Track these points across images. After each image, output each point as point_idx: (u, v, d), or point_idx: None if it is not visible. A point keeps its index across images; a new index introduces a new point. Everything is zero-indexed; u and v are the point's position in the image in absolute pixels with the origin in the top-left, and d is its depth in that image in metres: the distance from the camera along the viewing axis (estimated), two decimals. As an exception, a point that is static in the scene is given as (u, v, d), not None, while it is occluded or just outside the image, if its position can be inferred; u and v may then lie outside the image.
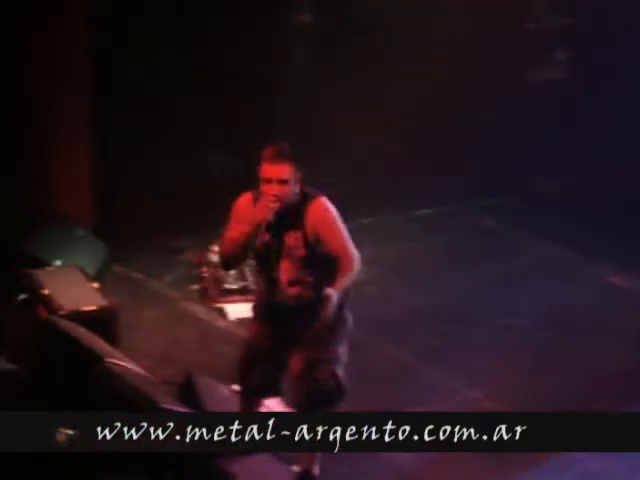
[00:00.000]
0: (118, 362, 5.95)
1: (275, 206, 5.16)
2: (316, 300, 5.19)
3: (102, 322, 6.70)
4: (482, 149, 9.77)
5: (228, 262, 5.45)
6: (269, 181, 5.19)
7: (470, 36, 9.56)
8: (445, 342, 7.37)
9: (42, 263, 7.57)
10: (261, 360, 5.52)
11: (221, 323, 7.70)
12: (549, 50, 10.37)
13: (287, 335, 5.42)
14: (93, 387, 5.72)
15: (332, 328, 5.34)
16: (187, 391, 6.02)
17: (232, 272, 7.77)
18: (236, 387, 5.89)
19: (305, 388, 5.37)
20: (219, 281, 7.98)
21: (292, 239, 5.27)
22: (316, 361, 5.35)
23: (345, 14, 9.86)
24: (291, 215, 5.24)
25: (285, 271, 5.32)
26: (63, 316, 6.62)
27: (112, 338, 6.60)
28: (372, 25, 9.75)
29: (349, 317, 5.48)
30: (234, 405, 5.78)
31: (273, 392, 5.68)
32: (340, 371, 5.43)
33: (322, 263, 5.27)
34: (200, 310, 7.90)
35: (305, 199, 5.27)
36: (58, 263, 7.65)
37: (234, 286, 7.90)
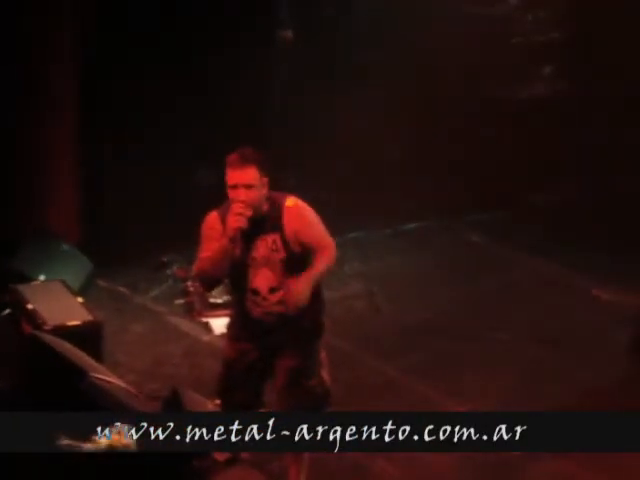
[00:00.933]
0: (103, 377, 5.90)
1: (246, 213, 5.08)
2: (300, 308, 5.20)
3: (87, 337, 6.66)
4: (467, 165, 9.77)
5: (209, 283, 5.44)
6: (235, 187, 5.12)
7: (458, 54, 9.59)
8: (432, 357, 7.35)
9: (27, 278, 7.54)
10: (243, 377, 5.47)
11: (206, 337, 7.67)
12: (536, 66, 10.40)
13: (270, 347, 5.39)
14: (78, 402, 5.68)
15: (315, 334, 5.36)
16: (172, 406, 5.97)
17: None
18: (219, 401, 5.85)
19: (294, 397, 5.35)
20: (204, 295, 7.96)
21: (270, 242, 5.21)
22: (303, 369, 5.33)
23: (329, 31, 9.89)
24: (264, 220, 5.19)
25: (265, 279, 5.26)
26: (48, 331, 6.58)
27: (97, 353, 6.55)
28: (357, 42, 9.79)
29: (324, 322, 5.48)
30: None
31: (257, 406, 5.63)
32: (326, 375, 5.43)
33: (300, 264, 5.22)
34: (185, 324, 7.88)
35: (275, 201, 5.22)
36: (42, 278, 7.61)
37: (219, 300, 7.87)
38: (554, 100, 10.25)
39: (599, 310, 8.19)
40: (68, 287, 7.34)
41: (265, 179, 5.18)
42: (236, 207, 5.09)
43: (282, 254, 5.22)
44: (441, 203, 9.72)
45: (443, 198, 9.71)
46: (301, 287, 5.13)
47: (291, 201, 5.25)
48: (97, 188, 8.66)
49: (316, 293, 5.29)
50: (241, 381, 5.47)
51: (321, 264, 5.19)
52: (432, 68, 9.58)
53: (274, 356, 5.39)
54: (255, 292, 5.30)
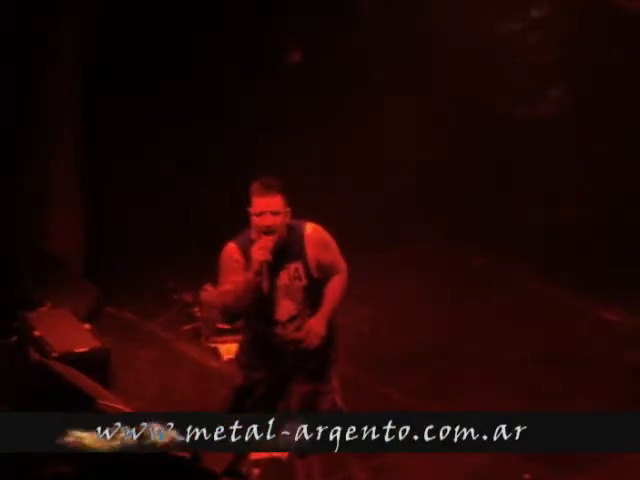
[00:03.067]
0: (111, 404, 5.89)
1: (271, 244, 5.08)
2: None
3: (94, 364, 6.65)
4: (467, 184, 9.77)
5: (233, 316, 5.47)
6: (261, 214, 5.11)
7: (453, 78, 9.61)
8: (434, 379, 7.30)
9: (34, 305, 7.52)
10: (252, 406, 5.43)
11: (214, 363, 7.64)
12: (536, 86, 10.40)
13: (283, 372, 5.38)
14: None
15: (330, 360, 5.35)
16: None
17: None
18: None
19: None
20: (212, 321, 7.93)
21: (292, 271, 5.21)
22: (318, 393, 5.33)
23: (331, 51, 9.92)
24: (286, 249, 5.18)
25: (285, 308, 5.24)
26: (55, 358, 6.56)
27: (104, 379, 6.54)
28: (371, 58, 9.83)
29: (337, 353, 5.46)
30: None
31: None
32: (339, 399, 5.42)
33: (318, 288, 5.25)
34: (193, 350, 7.85)
35: (295, 229, 5.22)
36: (50, 305, 7.60)
37: (227, 326, 7.84)
38: (555, 120, 10.23)
39: (601, 330, 8.14)
40: (75, 314, 7.33)
41: (288, 209, 5.19)
42: (263, 241, 5.08)
43: (304, 282, 5.23)
44: (442, 224, 9.68)
45: (443, 219, 9.69)
46: (321, 327, 5.20)
47: (310, 227, 5.26)
48: (105, 215, 8.67)
49: (331, 321, 5.32)
50: (249, 409, 5.43)
51: (336, 295, 5.26)
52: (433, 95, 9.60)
53: (288, 382, 5.37)
54: (275, 322, 5.28)
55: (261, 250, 5.06)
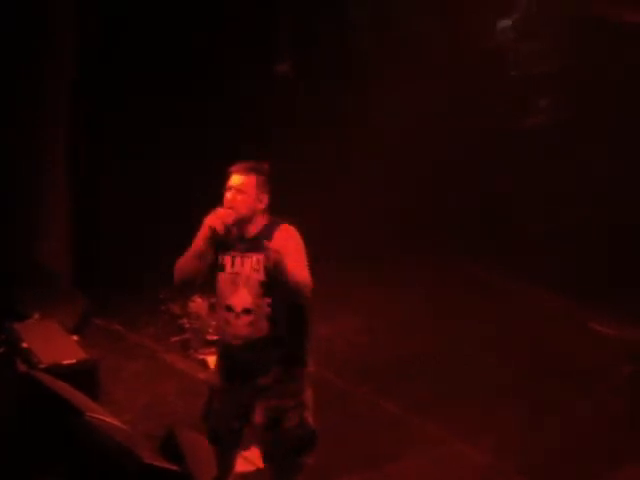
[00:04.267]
0: (99, 416, 5.84)
1: (229, 219, 5.11)
2: (271, 338, 5.13)
3: (82, 376, 6.60)
4: (464, 196, 9.77)
5: (179, 281, 5.31)
6: (228, 189, 5.19)
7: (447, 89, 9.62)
8: (431, 391, 7.29)
9: (21, 316, 7.48)
10: (227, 409, 5.38)
11: (202, 375, 7.60)
12: (533, 97, 10.41)
13: (251, 384, 5.28)
14: (73, 442, 5.62)
15: (296, 371, 5.26)
16: (169, 445, 5.91)
17: (213, 323, 7.70)
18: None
19: (273, 438, 5.25)
20: (201, 332, 7.90)
21: (254, 262, 5.16)
22: (283, 409, 5.23)
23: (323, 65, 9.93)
24: (256, 239, 5.16)
25: (241, 298, 5.18)
26: (42, 370, 6.52)
27: (92, 391, 6.50)
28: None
29: (308, 369, 5.34)
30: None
31: (234, 442, 5.46)
32: (309, 417, 5.31)
33: (278, 292, 5.11)
34: (182, 362, 7.81)
35: (272, 225, 5.20)
36: (37, 316, 7.56)
37: (215, 337, 7.80)
38: (553, 130, 10.25)
39: (598, 343, 8.14)
40: (63, 325, 7.29)
41: (263, 196, 5.21)
42: (222, 211, 5.12)
43: (262, 276, 5.16)
44: (440, 235, 9.67)
45: (442, 231, 9.68)
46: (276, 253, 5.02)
47: (285, 227, 5.22)
48: (93, 227, 8.65)
49: (297, 326, 5.23)
50: (224, 413, 5.38)
51: (292, 274, 5.02)
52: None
53: (252, 392, 5.27)
54: (229, 309, 5.22)
55: (215, 217, 5.10)
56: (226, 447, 5.43)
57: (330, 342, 7.90)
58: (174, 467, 5.55)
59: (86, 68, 8.44)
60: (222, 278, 5.24)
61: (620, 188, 9.30)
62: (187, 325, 8.04)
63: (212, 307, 7.92)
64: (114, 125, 8.77)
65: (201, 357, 7.80)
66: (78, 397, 6.07)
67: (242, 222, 5.18)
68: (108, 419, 5.87)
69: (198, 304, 7.84)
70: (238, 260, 5.21)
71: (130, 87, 8.84)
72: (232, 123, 9.47)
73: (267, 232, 5.18)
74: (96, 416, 5.75)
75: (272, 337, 5.17)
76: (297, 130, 9.58)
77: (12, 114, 8.12)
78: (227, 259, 5.23)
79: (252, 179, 5.18)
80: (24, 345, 6.87)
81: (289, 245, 5.12)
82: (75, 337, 7.23)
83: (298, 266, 5.07)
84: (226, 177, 5.23)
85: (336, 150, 9.56)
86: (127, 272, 8.59)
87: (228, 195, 5.18)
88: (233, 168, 5.24)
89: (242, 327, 5.20)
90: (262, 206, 5.21)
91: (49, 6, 8.08)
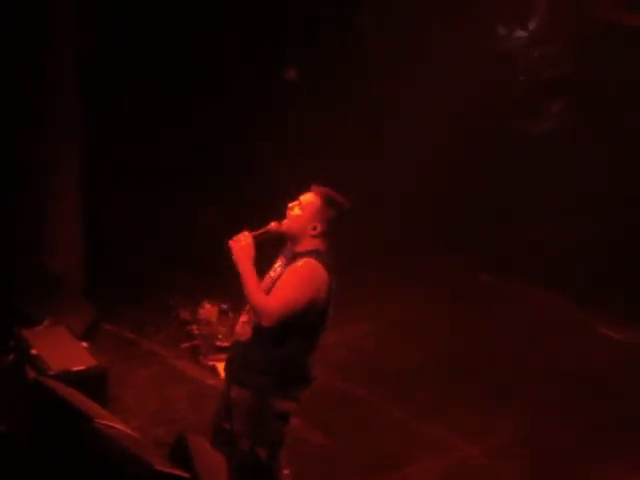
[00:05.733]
0: (108, 423, 5.84)
1: (280, 227, 5.08)
2: (249, 345, 5.03)
3: (91, 382, 6.59)
4: (476, 198, 9.75)
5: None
6: (297, 201, 5.14)
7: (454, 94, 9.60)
8: (440, 397, 7.28)
9: (31, 322, 7.48)
10: (216, 407, 5.34)
11: (212, 381, 7.59)
12: (540, 103, 10.39)
13: (228, 383, 5.21)
14: (82, 449, 5.61)
15: (251, 408, 5.05)
16: (179, 452, 5.90)
17: (223, 329, 7.70)
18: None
19: (227, 454, 4.97)
20: (211, 339, 7.89)
21: (276, 274, 5.11)
22: (242, 429, 5.07)
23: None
24: (292, 258, 5.09)
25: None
26: (52, 376, 6.51)
27: (102, 398, 6.49)
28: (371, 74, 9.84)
29: (278, 404, 5.07)
30: (227, 465, 5.66)
31: (225, 442, 5.24)
32: (262, 452, 5.07)
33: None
34: (192, 368, 7.80)
35: (308, 253, 5.05)
36: (47, 322, 7.56)
37: (226, 344, 7.79)
38: (557, 134, 10.22)
39: (602, 346, 8.11)
40: (72, 332, 7.29)
41: (318, 224, 5.07)
42: (239, 236, 5.04)
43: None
44: (445, 239, 9.66)
45: (447, 234, 9.66)
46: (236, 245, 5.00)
47: (306, 260, 5.03)
48: (103, 233, 8.65)
49: (274, 350, 5.02)
50: (217, 412, 5.31)
51: (253, 291, 4.95)
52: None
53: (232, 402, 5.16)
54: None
55: (234, 243, 5.03)
56: (218, 446, 5.19)
57: (335, 347, 7.88)
58: (184, 474, 5.55)
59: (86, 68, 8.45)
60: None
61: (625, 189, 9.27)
62: (197, 331, 8.03)
63: (222, 313, 7.94)
64: (122, 129, 8.78)
65: (211, 363, 7.79)
66: (87, 403, 6.07)
67: (289, 237, 5.13)
68: (118, 425, 5.86)
69: (208, 310, 7.83)
70: (277, 264, 5.18)
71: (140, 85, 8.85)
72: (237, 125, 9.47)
73: (293, 258, 5.11)
74: (105, 422, 5.75)
75: (251, 344, 5.05)
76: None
77: (13, 114, 8.10)
78: (278, 258, 5.21)
79: (317, 202, 5.09)
80: (33, 352, 6.86)
81: (289, 272, 5.02)
82: (84, 343, 7.22)
83: (275, 292, 4.96)
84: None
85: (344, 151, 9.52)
86: (137, 278, 8.59)
87: (290, 205, 5.13)
88: (313, 186, 5.15)
89: (239, 324, 5.18)
90: (313, 232, 5.07)
91: (49, 6, 8.06)
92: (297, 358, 5.07)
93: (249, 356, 5.07)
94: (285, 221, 5.12)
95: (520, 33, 10.37)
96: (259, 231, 5.10)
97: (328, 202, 5.10)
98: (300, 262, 5.03)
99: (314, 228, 5.08)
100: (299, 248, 5.11)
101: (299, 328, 4.99)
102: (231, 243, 5.06)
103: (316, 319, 5.05)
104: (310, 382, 5.15)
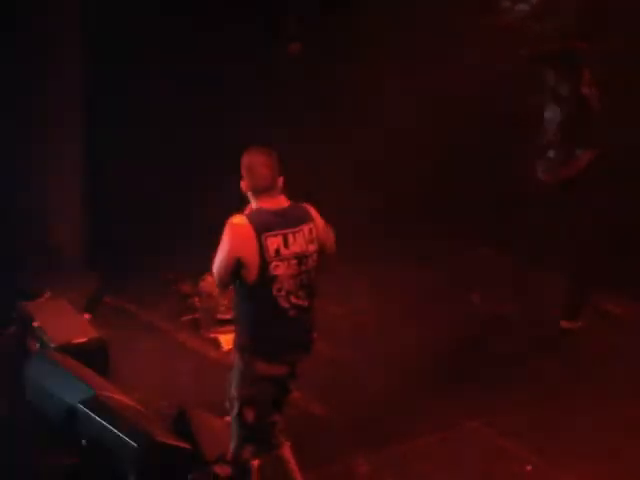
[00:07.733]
0: (111, 394, 5.86)
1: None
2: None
3: (93, 354, 6.63)
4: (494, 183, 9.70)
5: None
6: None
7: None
8: (440, 373, 7.27)
9: (32, 295, 7.49)
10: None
11: (214, 354, 7.61)
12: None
13: None
14: (86, 420, 5.64)
15: (236, 368, 5.23)
16: (181, 423, 5.93)
17: (225, 302, 7.70)
18: (229, 419, 5.78)
19: None
20: (212, 311, 7.90)
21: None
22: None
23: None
24: None
25: None
26: (54, 348, 6.54)
27: (103, 370, 6.52)
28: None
29: (259, 366, 5.15)
30: (228, 437, 5.68)
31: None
32: (249, 413, 5.22)
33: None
34: (193, 341, 7.81)
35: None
36: (48, 295, 7.57)
37: (227, 316, 7.80)
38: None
39: (601, 320, 8.10)
40: (74, 304, 7.30)
41: (245, 182, 5.21)
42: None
43: None
44: (466, 223, 9.59)
45: (469, 218, 9.61)
46: None
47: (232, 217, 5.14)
48: (104, 205, 8.64)
49: (238, 310, 5.26)
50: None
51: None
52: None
53: None
54: None
55: None
56: None
57: (338, 322, 7.88)
58: (185, 445, 5.59)
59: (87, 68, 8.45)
60: None
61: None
62: (198, 304, 8.04)
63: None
64: (124, 106, 8.76)
65: (212, 336, 7.81)
66: (89, 375, 6.10)
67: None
68: (120, 397, 5.90)
69: (209, 283, 7.82)
70: None
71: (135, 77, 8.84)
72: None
73: None
74: (108, 394, 5.78)
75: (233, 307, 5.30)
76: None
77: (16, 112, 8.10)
78: None
79: (243, 160, 5.22)
80: (35, 324, 6.88)
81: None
82: (86, 316, 7.24)
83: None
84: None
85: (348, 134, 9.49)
86: (139, 251, 8.58)
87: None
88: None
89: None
90: (245, 190, 5.21)
91: (49, 6, 8.04)
92: (259, 317, 5.12)
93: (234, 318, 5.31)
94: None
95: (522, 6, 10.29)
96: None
97: (244, 155, 5.20)
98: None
99: (246, 187, 5.18)
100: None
101: (247, 287, 5.05)
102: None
103: (257, 276, 5.03)
104: (291, 346, 5.18)
